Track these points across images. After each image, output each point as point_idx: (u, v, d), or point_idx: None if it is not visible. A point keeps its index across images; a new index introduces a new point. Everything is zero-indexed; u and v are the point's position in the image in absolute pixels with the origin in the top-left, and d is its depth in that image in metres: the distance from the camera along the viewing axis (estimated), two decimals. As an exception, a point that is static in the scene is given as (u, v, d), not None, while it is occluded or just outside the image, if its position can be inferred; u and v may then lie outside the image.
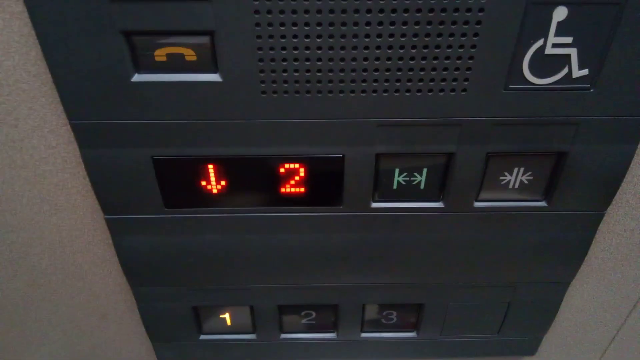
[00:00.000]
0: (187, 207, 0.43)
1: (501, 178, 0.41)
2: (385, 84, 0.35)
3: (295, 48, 0.33)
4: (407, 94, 0.35)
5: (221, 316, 0.54)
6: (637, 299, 0.54)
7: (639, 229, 0.46)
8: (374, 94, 0.35)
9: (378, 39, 0.33)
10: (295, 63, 0.34)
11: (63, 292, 0.52)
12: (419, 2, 0.31)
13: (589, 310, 0.55)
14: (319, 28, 0.32)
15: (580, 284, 0.52)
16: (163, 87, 0.35)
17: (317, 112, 0.36)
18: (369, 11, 0.31)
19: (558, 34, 0.33)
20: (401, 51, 0.33)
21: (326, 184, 0.41)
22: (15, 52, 0.35)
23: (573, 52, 0.34)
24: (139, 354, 0.60)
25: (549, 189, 0.42)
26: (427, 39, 0.33)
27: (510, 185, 0.42)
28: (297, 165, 0.40)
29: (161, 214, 0.43)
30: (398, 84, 0.35)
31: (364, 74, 0.34)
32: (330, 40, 0.33)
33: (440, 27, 0.32)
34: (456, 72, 0.34)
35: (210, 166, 0.40)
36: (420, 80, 0.35)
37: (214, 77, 0.35)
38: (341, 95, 0.35)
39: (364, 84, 0.35)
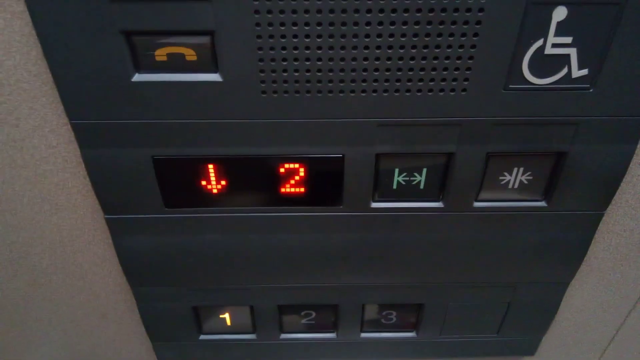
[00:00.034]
0: (187, 207, 0.43)
1: (501, 178, 0.41)
2: (385, 83, 0.35)
3: (296, 48, 0.33)
4: (407, 94, 0.36)
5: (221, 316, 0.54)
6: (636, 299, 0.54)
7: (638, 229, 0.46)
8: (374, 94, 0.36)
9: (378, 39, 0.33)
10: (296, 63, 0.34)
11: (63, 292, 0.52)
12: (419, 2, 0.31)
13: (589, 310, 0.55)
14: (319, 28, 0.32)
15: (580, 284, 0.52)
16: (163, 86, 0.35)
17: (317, 112, 0.37)
18: (369, 11, 0.32)
19: (558, 34, 0.33)
20: (401, 51, 0.33)
21: (326, 183, 0.41)
22: (16, 52, 0.35)
23: (573, 52, 0.34)
24: (138, 354, 0.60)
25: (548, 189, 0.42)
26: (427, 39, 0.33)
27: (510, 185, 0.42)
28: (297, 165, 0.40)
29: (161, 214, 0.43)
30: (398, 83, 0.35)
31: (364, 73, 0.34)
32: (330, 40, 0.33)
33: (440, 27, 0.32)
34: (456, 72, 0.34)
35: (210, 166, 0.40)
36: (420, 80, 0.35)
37: (214, 77, 0.35)
38: (341, 95, 0.35)
39: (364, 84, 0.35)
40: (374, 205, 0.43)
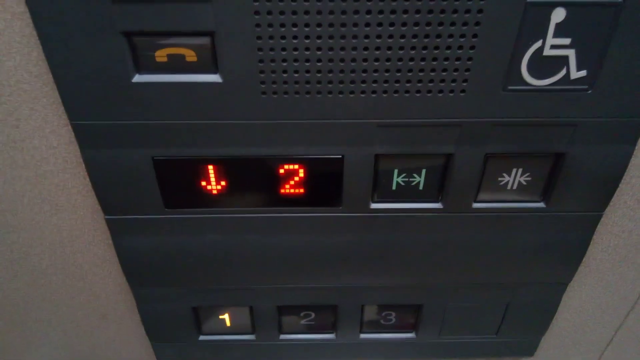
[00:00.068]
0: (187, 207, 0.43)
1: (499, 179, 0.42)
2: (385, 84, 0.35)
3: (295, 49, 0.33)
4: (406, 94, 0.36)
5: (220, 317, 0.54)
6: (635, 300, 0.54)
7: (636, 230, 0.47)
8: (374, 95, 0.36)
9: (377, 40, 0.33)
10: (295, 64, 0.34)
11: (63, 293, 0.52)
12: (418, 3, 0.31)
13: (587, 311, 0.55)
14: (318, 29, 0.32)
15: (579, 285, 0.52)
16: (164, 87, 0.35)
17: (317, 113, 0.37)
18: (368, 12, 0.32)
19: (556, 35, 0.33)
20: (400, 52, 0.33)
21: (326, 184, 0.41)
22: (17, 53, 0.35)
23: (571, 54, 0.34)
24: (138, 355, 0.60)
25: (547, 190, 0.42)
26: (426, 40, 0.33)
27: (509, 186, 0.42)
28: (296, 166, 0.40)
29: (161, 215, 0.43)
30: (397, 85, 0.35)
31: (364, 74, 0.35)
32: (330, 41, 0.33)
33: (439, 28, 0.32)
34: (455, 73, 0.35)
35: (210, 167, 0.40)
36: (419, 81, 0.35)
37: (214, 78, 0.35)
38: (341, 96, 0.36)
39: (363, 85, 0.35)
40: (373, 206, 0.43)
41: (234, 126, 0.37)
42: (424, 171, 0.41)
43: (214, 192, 0.41)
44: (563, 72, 0.35)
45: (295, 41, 0.33)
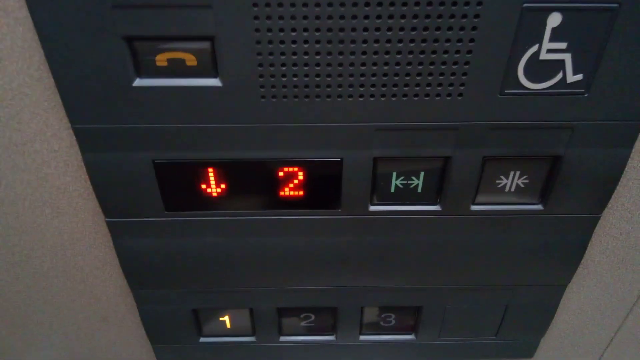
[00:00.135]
0: (188, 210, 0.43)
1: (497, 182, 0.42)
2: (383, 88, 0.35)
3: (294, 53, 0.33)
4: (404, 98, 0.36)
5: (221, 319, 0.54)
6: (633, 301, 0.54)
7: (634, 232, 0.47)
8: (372, 99, 0.36)
9: (375, 45, 0.33)
10: (294, 68, 0.34)
11: (64, 295, 0.52)
12: (416, 8, 0.32)
13: (586, 313, 0.55)
14: (317, 34, 0.33)
15: (577, 286, 0.52)
16: (164, 91, 0.35)
17: (316, 117, 0.37)
18: (366, 17, 0.32)
19: (553, 39, 0.33)
20: (398, 56, 0.34)
21: (325, 187, 0.42)
22: (19, 57, 0.35)
23: (567, 58, 0.34)
24: (139, 357, 0.60)
25: (544, 192, 0.43)
26: (423, 44, 0.33)
27: (507, 189, 0.42)
28: (296, 169, 0.40)
29: (162, 217, 0.43)
30: (395, 88, 0.35)
31: (362, 78, 0.35)
32: (329, 45, 0.33)
33: (437, 32, 0.33)
34: (452, 77, 0.35)
35: (210, 170, 0.40)
36: (417, 85, 0.35)
37: (214, 82, 0.35)
38: (339, 99, 0.36)
39: (361, 89, 0.35)
40: (372, 208, 0.43)
41: (233, 129, 0.38)
42: (422, 174, 0.41)
43: (214, 195, 0.42)
44: (559, 76, 0.35)
45: (294, 46, 0.33)
